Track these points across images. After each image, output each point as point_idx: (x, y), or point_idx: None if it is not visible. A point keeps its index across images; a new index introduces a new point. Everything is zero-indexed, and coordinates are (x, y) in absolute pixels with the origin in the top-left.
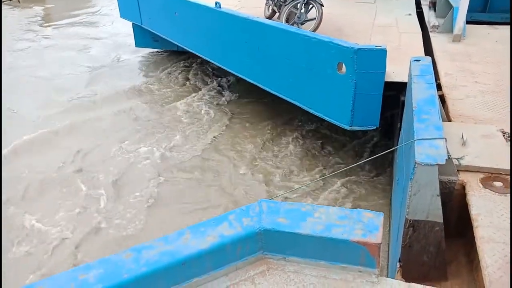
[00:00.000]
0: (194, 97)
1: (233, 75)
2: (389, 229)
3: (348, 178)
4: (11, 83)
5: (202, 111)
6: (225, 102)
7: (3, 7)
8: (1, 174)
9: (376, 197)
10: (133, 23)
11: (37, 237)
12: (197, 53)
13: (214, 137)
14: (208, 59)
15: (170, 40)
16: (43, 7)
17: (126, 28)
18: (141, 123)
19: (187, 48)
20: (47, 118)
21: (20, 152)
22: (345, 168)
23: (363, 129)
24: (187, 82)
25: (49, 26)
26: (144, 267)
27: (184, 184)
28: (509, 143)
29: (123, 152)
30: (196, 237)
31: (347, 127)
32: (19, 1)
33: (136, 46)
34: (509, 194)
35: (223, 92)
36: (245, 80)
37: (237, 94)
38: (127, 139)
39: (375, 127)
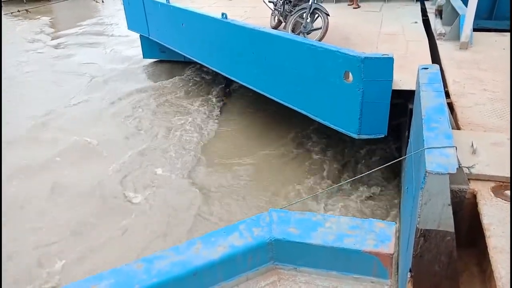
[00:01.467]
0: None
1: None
2: (398, 238)
3: (357, 187)
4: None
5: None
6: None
7: (12, 18)
8: (1, 175)
9: (384, 206)
10: (140, 35)
11: None
12: (204, 64)
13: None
14: (215, 70)
15: (177, 51)
16: (50, 18)
17: (130, 37)
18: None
19: (194, 59)
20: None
21: None
22: (354, 178)
23: (371, 138)
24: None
25: (55, 36)
26: (155, 278)
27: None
28: None
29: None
30: (207, 247)
31: (355, 136)
32: (27, 11)
33: (143, 57)
34: None
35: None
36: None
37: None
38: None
39: (383, 136)
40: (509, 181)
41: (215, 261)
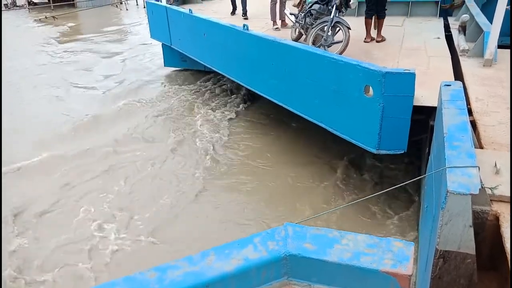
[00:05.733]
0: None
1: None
2: (416, 258)
3: (374, 204)
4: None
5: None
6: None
7: (37, 24)
8: (1, 176)
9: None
10: (162, 44)
11: None
12: (224, 74)
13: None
14: (235, 80)
15: (198, 61)
16: (74, 24)
17: (150, 43)
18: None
19: (214, 69)
20: None
21: None
22: (372, 195)
23: (390, 153)
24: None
25: (70, 41)
26: None
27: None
28: None
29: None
30: (221, 259)
31: (374, 151)
32: (54, 18)
33: (165, 66)
34: None
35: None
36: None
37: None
38: None
39: (403, 151)
40: None
41: (228, 273)
